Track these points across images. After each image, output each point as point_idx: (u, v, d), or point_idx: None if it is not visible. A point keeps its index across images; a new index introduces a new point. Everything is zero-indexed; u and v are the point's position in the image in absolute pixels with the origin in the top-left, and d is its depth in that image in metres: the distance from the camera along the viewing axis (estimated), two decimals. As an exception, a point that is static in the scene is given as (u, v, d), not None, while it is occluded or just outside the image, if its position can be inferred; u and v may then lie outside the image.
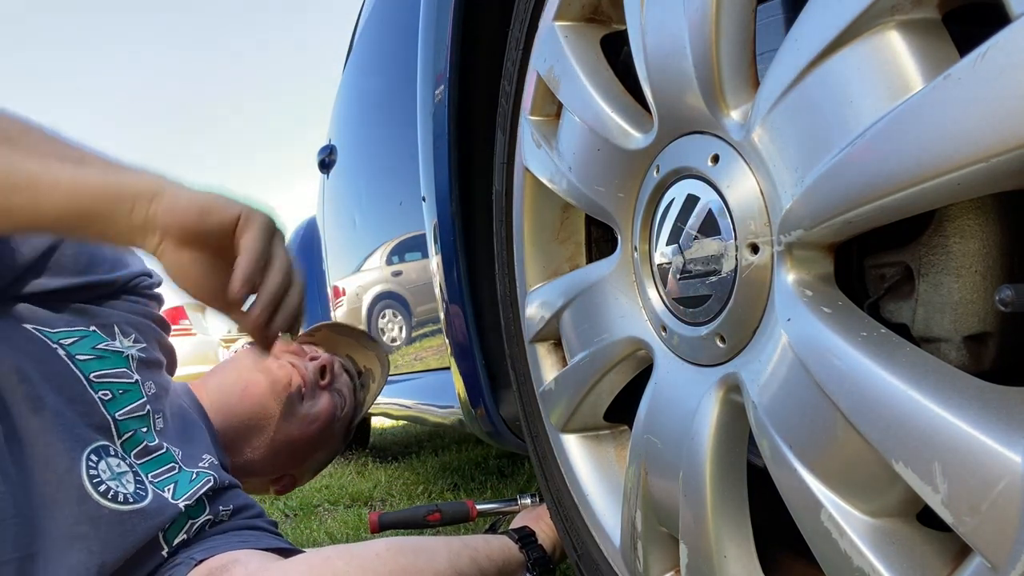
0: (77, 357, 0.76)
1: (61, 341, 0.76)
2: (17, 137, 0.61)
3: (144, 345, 0.85)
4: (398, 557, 0.72)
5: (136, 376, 0.81)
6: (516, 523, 0.95)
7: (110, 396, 0.77)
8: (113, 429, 0.76)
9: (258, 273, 0.63)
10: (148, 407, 0.81)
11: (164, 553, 0.74)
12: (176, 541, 0.76)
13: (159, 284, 0.89)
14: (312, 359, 1.10)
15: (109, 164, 0.64)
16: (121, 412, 0.77)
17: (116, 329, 0.82)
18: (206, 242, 0.63)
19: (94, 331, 0.80)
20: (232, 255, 0.63)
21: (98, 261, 0.83)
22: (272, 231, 0.65)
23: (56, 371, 0.73)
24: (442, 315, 1.02)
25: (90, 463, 0.71)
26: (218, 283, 0.64)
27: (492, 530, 0.96)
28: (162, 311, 0.93)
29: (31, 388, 0.70)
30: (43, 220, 0.61)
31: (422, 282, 1.35)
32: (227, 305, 0.66)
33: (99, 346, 0.79)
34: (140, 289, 0.89)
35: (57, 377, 0.73)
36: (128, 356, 0.82)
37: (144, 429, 0.80)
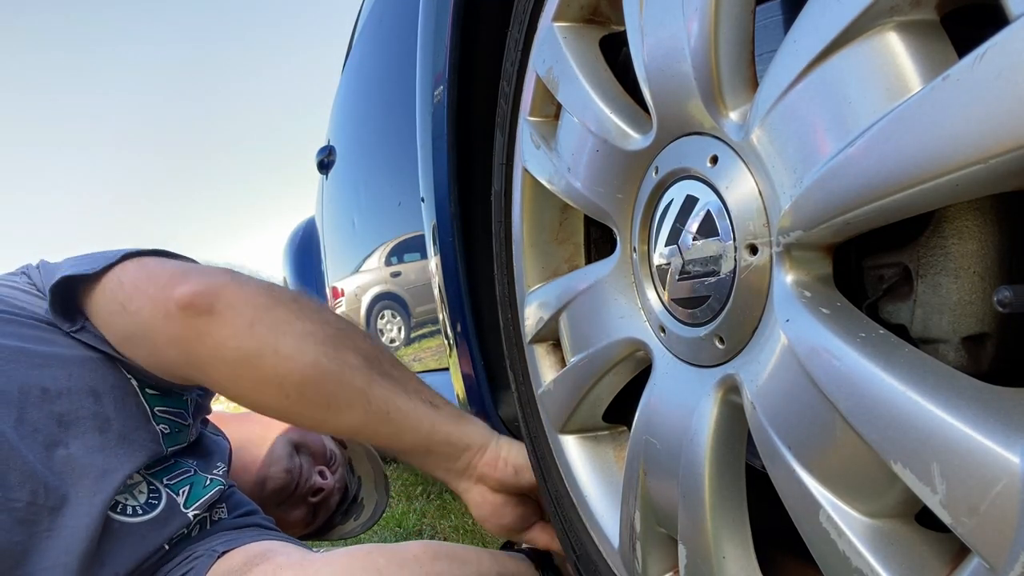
0: (147, 390, 0.79)
1: (136, 373, 0.79)
2: (390, 370, 0.74)
3: (202, 391, 0.89)
4: (435, 562, 0.73)
5: (190, 420, 0.85)
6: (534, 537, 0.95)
7: (168, 431, 0.80)
8: (162, 458, 0.80)
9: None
10: (189, 448, 0.87)
11: (166, 546, 0.75)
12: (175, 537, 0.76)
13: None
14: (322, 471, 1.16)
15: (452, 409, 0.78)
16: (172, 448, 0.81)
17: None
18: (515, 492, 0.78)
19: None
20: (532, 499, 0.80)
21: None
22: None
23: (127, 398, 0.76)
24: (441, 316, 1.02)
25: None
26: (514, 520, 0.80)
27: (508, 546, 0.95)
28: None
29: (102, 408, 0.73)
30: (393, 448, 0.75)
31: (421, 283, 1.35)
32: (511, 535, 0.83)
33: (166, 384, 0.82)
34: None
35: (128, 404, 0.76)
36: (187, 399, 0.85)
37: (176, 459, 0.84)
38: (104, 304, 0.73)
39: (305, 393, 0.70)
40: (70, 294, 0.74)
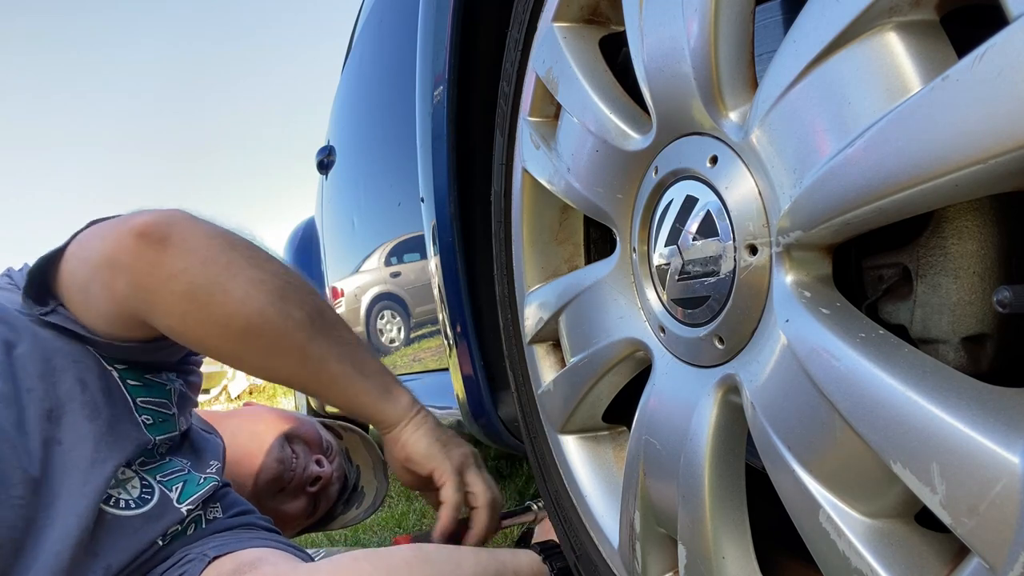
0: (128, 381, 0.80)
1: (116, 365, 0.80)
2: (329, 330, 0.79)
3: (183, 381, 0.90)
4: (425, 566, 0.72)
5: (174, 409, 0.85)
6: (540, 536, 0.94)
7: (151, 422, 0.81)
8: (153, 451, 0.81)
9: (456, 517, 0.84)
10: (179, 440, 0.87)
11: (160, 542, 0.75)
12: (170, 532, 0.76)
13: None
14: (319, 460, 1.16)
15: (381, 379, 0.83)
16: (161, 437, 0.81)
17: (161, 363, 0.87)
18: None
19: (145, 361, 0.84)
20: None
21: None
22: (471, 466, 0.86)
23: (111, 388, 0.77)
24: (441, 316, 1.02)
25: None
26: (412, 482, 0.87)
27: (520, 544, 0.95)
28: None
29: (90, 396, 0.74)
30: (318, 398, 0.84)
31: (420, 283, 1.35)
32: (423, 490, 0.89)
33: (147, 375, 0.84)
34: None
35: (112, 394, 0.77)
36: (170, 389, 0.86)
37: (170, 458, 0.84)
38: (66, 270, 0.75)
39: (248, 338, 0.74)
40: (44, 277, 0.76)
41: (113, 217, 0.78)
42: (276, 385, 8.25)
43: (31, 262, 0.83)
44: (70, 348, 0.76)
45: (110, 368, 0.79)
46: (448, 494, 0.83)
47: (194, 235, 0.72)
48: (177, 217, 0.73)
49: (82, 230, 0.77)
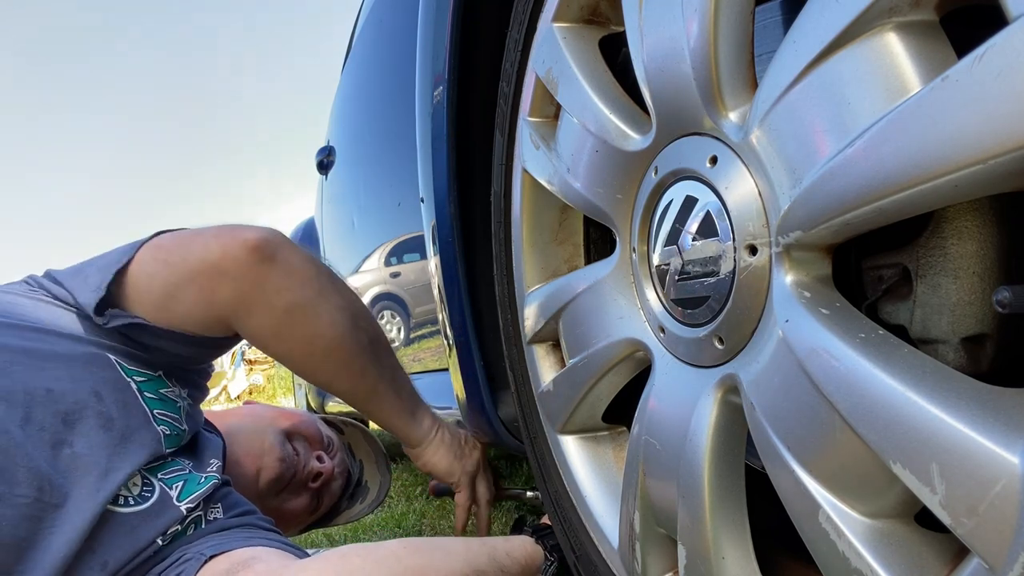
0: (146, 394, 0.82)
1: (134, 377, 0.82)
2: (382, 354, 0.92)
3: (191, 401, 0.92)
4: (415, 555, 0.73)
5: (185, 426, 0.87)
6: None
7: (168, 433, 0.83)
8: (162, 459, 0.82)
9: (467, 518, 1.07)
10: (184, 448, 0.89)
11: (160, 541, 0.75)
12: (170, 531, 0.76)
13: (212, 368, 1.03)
14: (320, 456, 1.17)
15: (410, 402, 0.97)
16: (170, 449, 0.83)
17: (175, 379, 0.89)
18: None
19: (160, 376, 0.86)
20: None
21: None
22: (480, 472, 1.06)
23: (128, 400, 0.79)
24: (440, 316, 1.01)
25: None
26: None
27: (514, 532, 0.96)
28: None
29: (105, 408, 0.75)
30: (355, 407, 0.96)
31: (420, 283, 1.35)
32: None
33: (162, 390, 0.86)
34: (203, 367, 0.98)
35: (128, 406, 0.79)
36: (180, 406, 0.88)
37: (172, 457, 0.85)
38: (139, 274, 0.80)
39: (327, 357, 0.85)
40: (109, 287, 0.79)
41: (181, 229, 0.84)
42: (276, 385, 8.27)
43: (52, 268, 0.86)
44: (91, 358, 0.77)
45: (128, 379, 0.80)
46: (462, 500, 1.04)
47: (295, 257, 0.81)
48: (280, 237, 0.81)
49: (149, 239, 0.82)
